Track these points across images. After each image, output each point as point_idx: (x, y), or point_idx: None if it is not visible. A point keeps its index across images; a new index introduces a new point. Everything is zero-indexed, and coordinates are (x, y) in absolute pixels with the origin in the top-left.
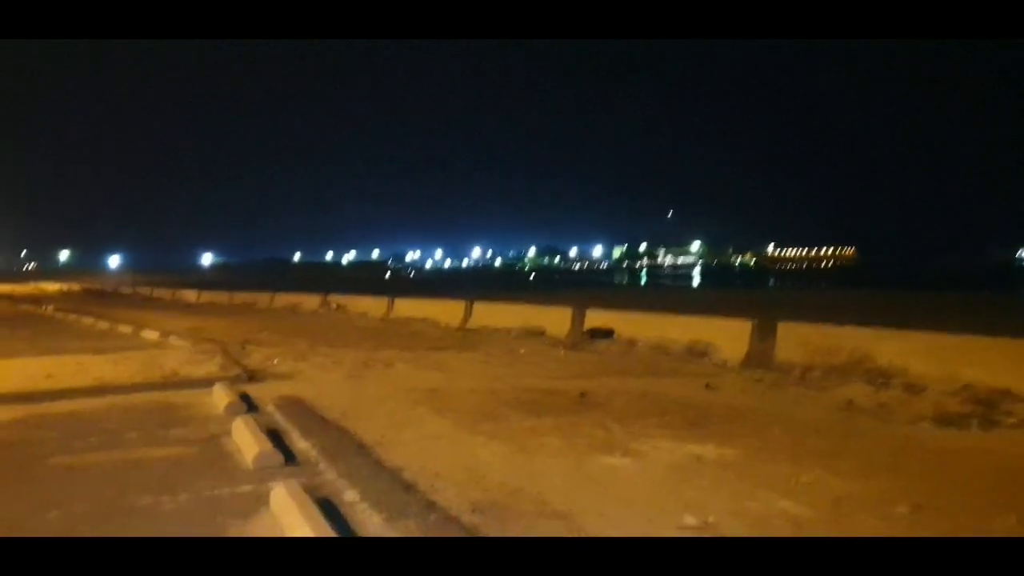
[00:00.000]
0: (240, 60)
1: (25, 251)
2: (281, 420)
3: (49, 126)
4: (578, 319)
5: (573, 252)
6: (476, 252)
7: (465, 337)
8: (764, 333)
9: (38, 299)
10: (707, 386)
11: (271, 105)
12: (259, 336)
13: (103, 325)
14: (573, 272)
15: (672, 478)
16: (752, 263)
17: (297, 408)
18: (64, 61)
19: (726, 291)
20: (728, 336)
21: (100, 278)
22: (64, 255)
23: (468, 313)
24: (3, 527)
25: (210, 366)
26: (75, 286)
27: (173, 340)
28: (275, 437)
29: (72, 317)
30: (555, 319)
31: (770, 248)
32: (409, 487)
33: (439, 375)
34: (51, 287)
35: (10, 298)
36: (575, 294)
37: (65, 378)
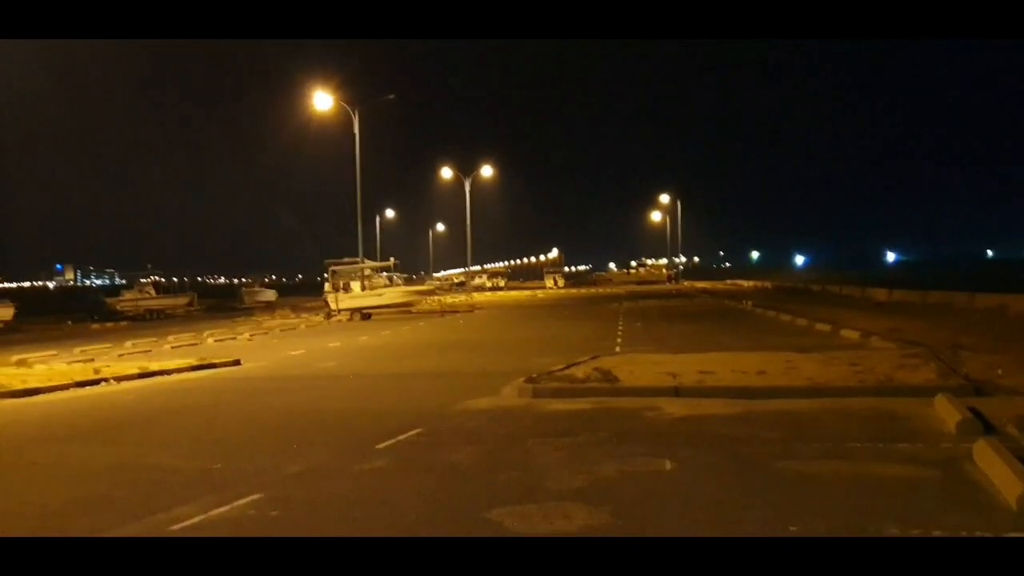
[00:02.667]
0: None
1: (721, 252)
2: None
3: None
4: None
5: None
6: None
7: None
8: None
9: (735, 295)
10: None
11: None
12: (968, 341)
13: (801, 322)
14: None
15: None
16: None
17: None
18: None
19: None
20: None
21: (787, 276)
22: (755, 254)
23: None
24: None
25: (925, 372)
26: (767, 283)
27: (875, 341)
28: None
29: (770, 314)
30: None
31: None
32: None
33: None
34: (745, 284)
35: (711, 294)
36: None
37: (776, 375)
